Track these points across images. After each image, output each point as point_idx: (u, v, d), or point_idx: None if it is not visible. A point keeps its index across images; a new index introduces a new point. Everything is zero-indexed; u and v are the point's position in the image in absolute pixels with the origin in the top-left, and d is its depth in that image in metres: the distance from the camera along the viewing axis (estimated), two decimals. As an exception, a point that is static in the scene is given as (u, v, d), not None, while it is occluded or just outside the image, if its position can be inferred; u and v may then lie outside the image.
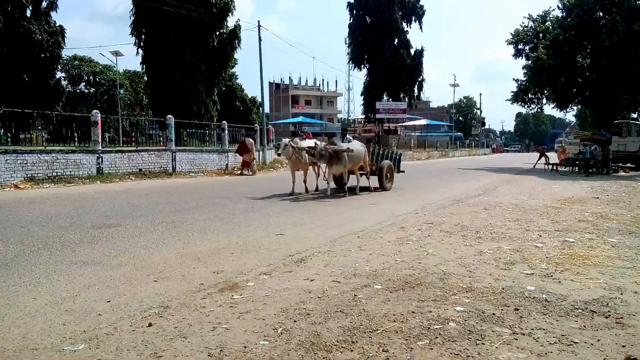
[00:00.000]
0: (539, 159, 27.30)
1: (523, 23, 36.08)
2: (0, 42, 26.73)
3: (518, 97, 36.08)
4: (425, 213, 9.57)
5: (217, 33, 29.52)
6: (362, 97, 46.78)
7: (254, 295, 4.41)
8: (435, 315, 3.87)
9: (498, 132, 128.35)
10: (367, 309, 4.02)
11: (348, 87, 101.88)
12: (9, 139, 19.02)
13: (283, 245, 6.63)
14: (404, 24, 44.23)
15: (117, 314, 3.90)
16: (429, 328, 3.61)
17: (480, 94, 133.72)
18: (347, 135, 15.34)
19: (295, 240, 6.93)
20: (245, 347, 3.31)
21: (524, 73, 34.43)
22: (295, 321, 3.75)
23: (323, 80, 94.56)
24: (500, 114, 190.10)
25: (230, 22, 30.10)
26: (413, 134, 60.03)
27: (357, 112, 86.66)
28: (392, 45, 42.97)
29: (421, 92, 47.60)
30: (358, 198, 12.08)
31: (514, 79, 37.40)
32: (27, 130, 23.44)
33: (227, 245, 6.59)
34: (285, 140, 12.66)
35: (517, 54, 35.97)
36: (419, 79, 45.48)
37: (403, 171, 15.76)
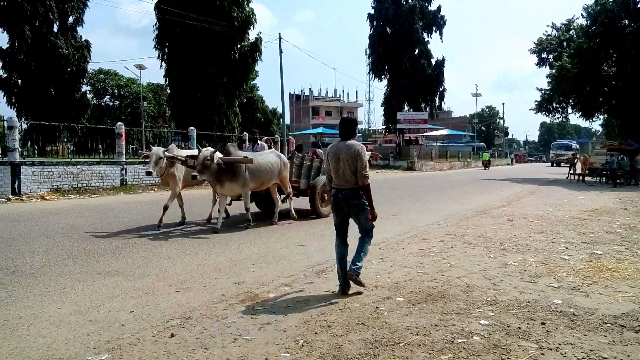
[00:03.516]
0: (571, 169, 26.58)
1: (546, 32, 35.69)
2: (29, 57, 27.51)
3: (542, 106, 35.54)
4: (448, 224, 9.45)
5: (239, 46, 29.86)
6: (383, 107, 46.68)
7: (275, 306, 4.40)
8: (459, 329, 3.80)
9: (522, 142, 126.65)
10: (389, 321, 3.97)
11: (368, 97, 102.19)
12: (36, 151, 19.50)
13: (304, 256, 6.61)
14: (425, 34, 44.13)
15: (140, 324, 3.93)
16: (452, 342, 3.55)
17: (503, 104, 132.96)
18: (260, 142, 11.66)
19: (316, 252, 6.90)
20: (266, 358, 3.29)
21: (548, 82, 33.93)
22: (316, 333, 3.73)
23: (343, 91, 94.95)
24: (524, 124, 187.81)
25: (252, 35, 30.47)
26: (434, 144, 59.55)
27: (377, 122, 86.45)
28: (413, 56, 42.87)
29: (442, 102, 47.32)
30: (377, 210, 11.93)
31: (537, 88, 36.94)
32: (53, 143, 24.02)
33: (248, 256, 6.60)
34: (157, 150, 8.57)
35: (541, 62, 35.53)
36: (440, 89, 45.22)
37: None
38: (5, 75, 28.05)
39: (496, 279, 5.31)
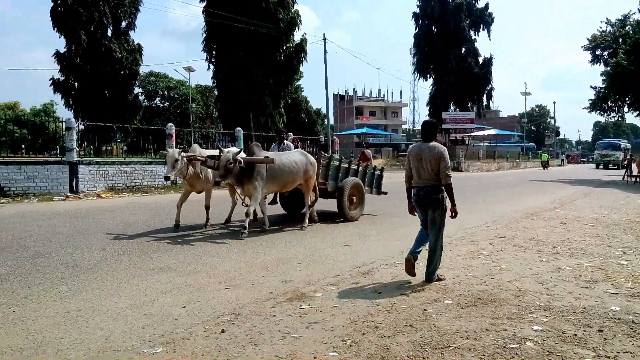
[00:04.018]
0: (627, 170, 25.33)
1: (601, 27, 34.28)
2: (84, 60, 28.73)
3: (596, 105, 34.11)
4: (497, 226, 9.22)
5: (284, 47, 30.16)
6: (428, 107, 46.06)
7: (322, 306, 4.42)
8: (511, 334, 3.70)
9: (574, 142, 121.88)
10: (437, 324, 3.92)
11: (413, 97, 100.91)
12: (92, 151, 20.38)
13: (349, 256, 6.62)
14: (472, 32, 43.26)
15: (192, 320, 4.04)
16: (504, 347, 3.46)
17: (554, 102, 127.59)
18: (286, 141, 11.16)
19: (362, 252, 6.90)
20: (314, 357, 3.32)
21: (603, 80, 32.57)
22: (364, 334, 3.73)
23: (387, 90, 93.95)
24: (577, 124, 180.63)
25: (297, 36, 30.72)
26: (481, 144, 58.19)
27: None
28: (459, 54, 42.09)
29: (490, 101, 46.23)
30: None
31: (591, 87, 35.42)
32: (107, 143, 25.05)
33: (294, 255, 6.67)
34: (173, 152, 8.15)
35: (595, 60, 34.14)
36: (488, 88, 44.20)
37: (385, 192, 11.82)
38: (63, 78, 29.38)
39: (549, 284, 5.14)
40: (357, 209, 10.05)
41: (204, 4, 29.35)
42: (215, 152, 8.36)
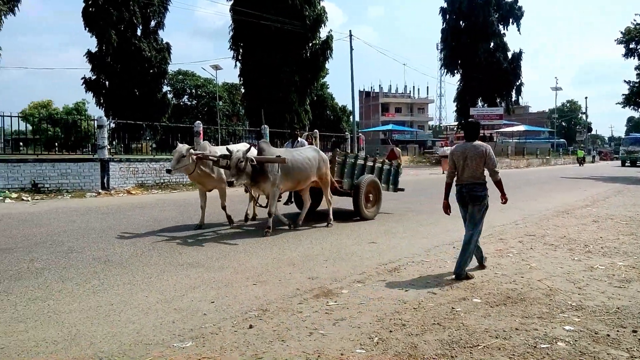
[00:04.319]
0: None
1: (635, 20, 33.14)
2: (115, 60, 29.36)
3: (630, 100, 33.11)
4: (526, 224, 9.06)
5: (310, 44, 30.22)
6: (455, 103, 45.51)
7: (349, 303, 4.43)
8: (542, 334, 3.64)
9: (607, 139, 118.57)
10: (466, 323, 3.88)
11: (440, 93, 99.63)
12: (122, 149, 20.82)
13: (376, 253, 6.60)
14: (501, 27, 42.50)
15: (221, 315, 4.09)
16: (535, 347, 3.41)
17: (586, 98, 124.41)
18: (300, 139, 10.68)
19: (388, 249, 6.87)
20: (342, 354, 3.33)
21: (637, 74, 31.58)
22: (391, 331, 3.71)
23: (414, 87, 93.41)
24: (609, 119, 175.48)
25: (323, 33, 30.72)
26: (510, 140, 57.20)
27: (449, 118, 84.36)
28: (488, 49, 41.42)
29: (519, 97, 45.40)
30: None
31: (625, 81, 34.36)
32: (137, 141, 25.50)
33: (320, 252, 6.68)
34: (181, 147, 7.96)
35: (629, 53, 33.01)
36: (517, 83, 43.43)
37: (402, 189, 11.57)
38: (94, 77, 30.09)
39: (581, 283, 5.03)
40: (373, 207, 9.85)
41: (231, 2, 29.64)
42: (224, 149, 8.19)
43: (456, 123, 50.57)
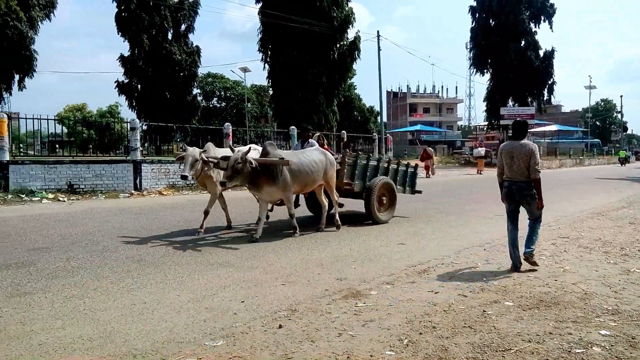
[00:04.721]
0: None
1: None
2: (147, 63, 29.97)
3: (669, 98, 31.97)
4: (560, 226, 8.85)
5: (338, 45, 30.21)
6: (485, 102, 44.71)
7: (378, 304, 4.41)
8: (577, 338, 3.56)
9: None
10: (497, 326, 3.82)
11: (469, 93, 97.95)
12: (153, 150, 21.25)
13: (404, 255, 6.56)
14: (532, 25, 41.60)
15: (251, 314, 4.14)
16: (569, 351, 3.33)
17: (621, 96, 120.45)
18: (311, 140, 9.92)
19: (417, 251, 6.82)
20: (371, 355, 3.32)
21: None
22: (421, 333, 3.69)
23: (442, 87, 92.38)
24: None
25: (350, 34, 30.67)
26: (542, 140, 55.96)
27: (478, 118, 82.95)
28: (518, 48, 40.57)
29: (552, 96, 44.29)
30: (480, 210, 11.50)
31: (663, 78, 33.20)
32: (168, 142, 25.99)
33: (349, 253, 6.68)
34: (193, 151, 7.76)
35: (668, 49, 31.94)
36: (549, 82, 42.37)
37: (420, 191, 11.12)
38: (126, 80, 30.77)
39: (617, 287, 4.89)
40: (387, 210, 9.42)
41: (259, 5, 29.87)
42: (229, 151, 7.82)
43: (486, 123, 49.72)
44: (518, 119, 6.29)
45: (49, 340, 3.57)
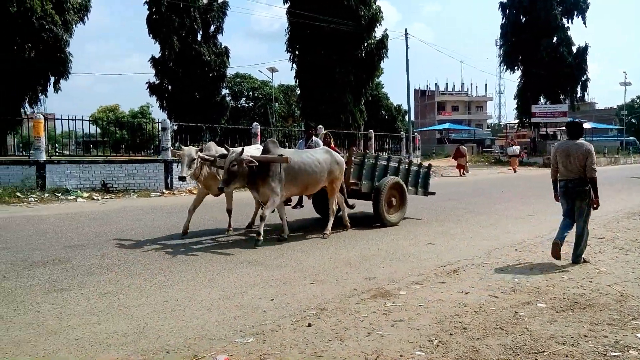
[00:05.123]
0: None
1: None
2: (177, 64, 30.44)
3: None
4: (594, 226, 8.59)
5: (365, 44, 30.09)
6: (516, 100, 43.86)
7: (407, 304, 4.39)
8: (612, 341, 3.47)
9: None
10: (530, 328, 3.76)
11: (499, 90, 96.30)
12: (183, 150, 21.60)
13: (433, 254, 6.51)
14: (564, 20, 40.59)
15: (280, 312, 4.17)
16: (605, 355, 3.26)
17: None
18: (316, 138, 9.67)
19: (446, 251, 6.75)
20: (401, 355, 3.31)
21: None
22: (451, 334, 3.66)
23: (471, 84, 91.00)
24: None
25: (378, 33, 30.50)
26: (575, 138, 54.44)
27: (508, 116, 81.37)
28: (550, 44, 39.62)
29: (585, 93, 43.13)
30: (511, 209, 11.29)
31: None
32: (198, 142, 26.33)
33: (377, 252, 6.66)
34: (190, 150, 7.35)
35: None
36: (583, 79, 41.26)
37: (433, 193, 10.57)
38: (157, 82, 31.34)
39: (656, 290, 4.75)
40: (397, 212, 9.02)
41: (287, 5, 30.01)
42: (229, 149, 7.27)
43: (517, 121, 48.76)
44: (574, 119, 6.70)
45: (85, 335, 3.68)
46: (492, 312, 4.14)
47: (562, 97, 41.86)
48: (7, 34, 21.86)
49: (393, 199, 8.97)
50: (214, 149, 7.81)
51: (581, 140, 5.92)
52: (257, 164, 6.87)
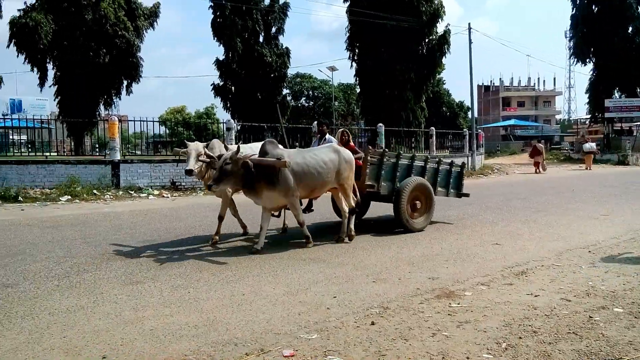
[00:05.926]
0: None
1: None
2: (240, 66, 31.28)
3: None
4: (677, 228, 8.06)
5: (426, 40, 29.61)
6: (587, 94, 41.61)
7: (473, 305, 4.29)
8: (700, 351, 3.24)
9: None
10: (606, 333, 3.58)
11: (569, 84, 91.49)
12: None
13: (500, 255, 6.32)
14: (640, 9, 38.02)
15: (343, 310, 4.21)
16: (691, 365, 3.04)
17: None
18: (329, 135, 8.91)
19: (514, 251, 6.53)
20: (467, 357, 3.25)
21: None
22: (520, 338, 3.54)
23: (538, 79, 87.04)
24: None
25: (440, 28, 29.93)
26: (654, 134, 50.92)
27: (579, 111, 77.26)
28: (625, 35, 37.24)
29: (665, 85, 40.21)
30: (585, 209, 10.73)
31: None
32: (259, 141, 26.88)
33: (440, 252, 6.55)
34: (197, 145, 7.03)
35: None
36: (662, 70, 38.50)
37: (467, 194, 9.64)
38: (221, 83, 32.34)
39: None
40: (422, 216, 8.20)
41: (347, 3, 30.05)
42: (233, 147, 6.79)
43: (588, 116, 46.22)
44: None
45: (158, 326, 3.87)
46: (565, 316, 3.97)
47: (638, 90, 39.26)
48: (84, 41, 23.32)
49: (417, 202, 8.13)
50: (218, 148, 7.21)
51: None
52: (252, 166, 6.27)
